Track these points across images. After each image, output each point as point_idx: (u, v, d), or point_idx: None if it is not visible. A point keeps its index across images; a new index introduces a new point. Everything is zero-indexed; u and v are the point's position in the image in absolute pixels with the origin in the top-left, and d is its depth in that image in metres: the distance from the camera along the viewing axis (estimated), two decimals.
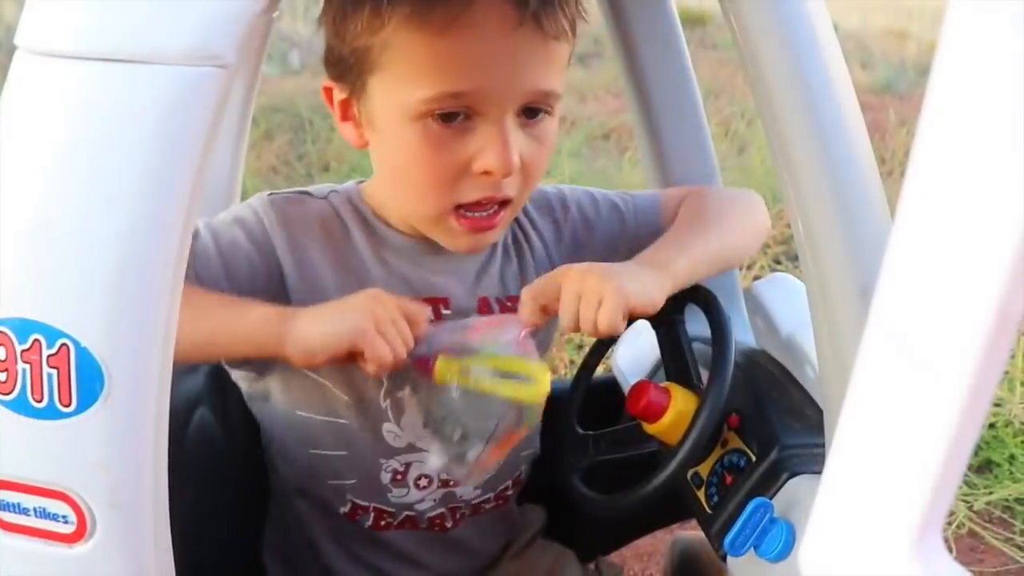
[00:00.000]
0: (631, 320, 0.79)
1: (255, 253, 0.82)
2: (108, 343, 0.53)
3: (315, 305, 0.78)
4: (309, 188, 0.90)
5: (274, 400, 0.90)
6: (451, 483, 0.92)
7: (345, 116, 0.82)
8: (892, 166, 3.70)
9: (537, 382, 0.77)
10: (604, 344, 1.04)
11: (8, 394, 0.54)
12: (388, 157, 0.81)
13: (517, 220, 0.94)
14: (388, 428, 0.88)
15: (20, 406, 0.54)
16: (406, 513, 0.93)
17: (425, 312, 0.79)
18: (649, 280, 0.79)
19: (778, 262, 2.96)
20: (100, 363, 0.53)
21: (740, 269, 2.77)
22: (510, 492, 0.99)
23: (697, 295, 0.92)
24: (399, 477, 0.91)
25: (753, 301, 1.00)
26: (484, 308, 0.91)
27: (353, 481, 0.91)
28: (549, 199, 0.97)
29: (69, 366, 0.53)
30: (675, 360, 0.94)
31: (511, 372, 0.77)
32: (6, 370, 0.54)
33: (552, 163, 3.60)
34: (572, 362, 2.31)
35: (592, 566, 1.03)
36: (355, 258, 0.86)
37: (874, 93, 5.37)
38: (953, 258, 0.37)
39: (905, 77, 5.48)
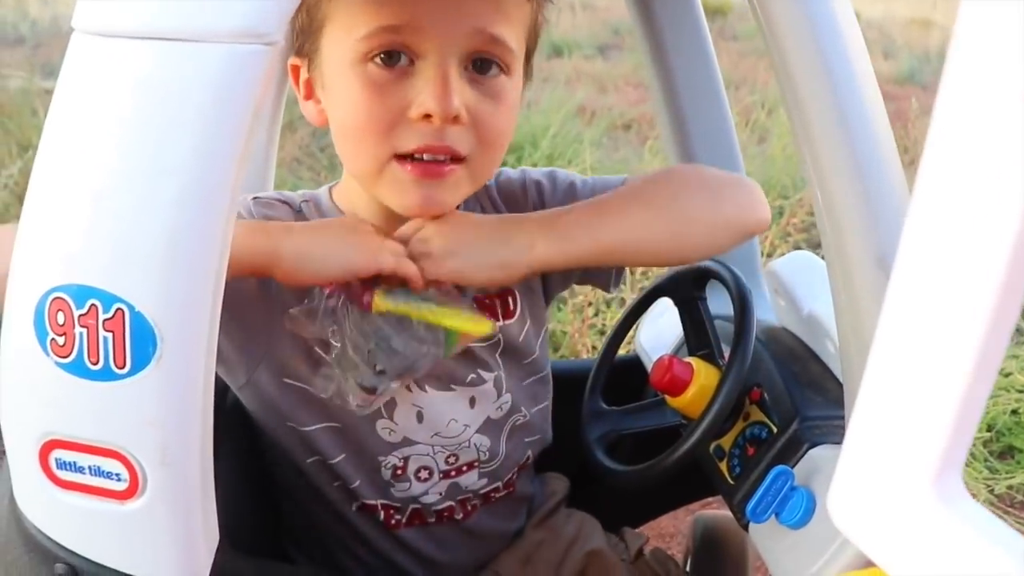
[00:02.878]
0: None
1: None
2: (161, 307, 0.56)
3: (301, 231, 0.78)
4: (286, 194, 0.90)
5: (264, 413, 0.90)
6: (452, 473, 0.93)
7: (308, 95, 0.82)
8: (915, 155, 3.69)
9: (481, 320, 0.79)
10: (627, 322, 1.06)
11: (66, 357, 0.57)
12: (334, 113, 0.79)
13: (485, 212, 0.92)
14: (383, 425, 0.89)
15: (77, 368, 0.57)
16: (412, 507, 0.93)
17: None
18: (501, 253, 0.79)
19: (799, 249, 2.97)
20: (153, 326, 0.56)
21: (762, 254, 2.78)
22: (516, 478, 0.99)
23: (719, 274, 0.94)
24: (399, 472, 0.91)
25: (774, 279, 1.02)
26: None
27: (357, 482, 0.91)
28: (513, 185, 0.95)
29: (124, 329, 0.56)
30: (697, 337, 0.96)
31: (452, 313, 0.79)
32: (64, 334, 0.57)
33: (574, 153, 3.62)
34: (594, 348, 2.33)
35: (616, 536, 1.05)
36: None
37: (897, 83, 5.34)
38: (967, 222, 0.39)
39: (928, 66, 5.45)
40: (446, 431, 0.90)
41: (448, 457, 0.92)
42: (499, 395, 0.92)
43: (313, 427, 0.88)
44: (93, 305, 0.56)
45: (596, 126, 4.14)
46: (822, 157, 0.67)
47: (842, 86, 0.66)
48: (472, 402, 0.91)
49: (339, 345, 0.79)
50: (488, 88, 0.76)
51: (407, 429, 0.89)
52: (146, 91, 0.54)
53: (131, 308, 0.56)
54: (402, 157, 0.75)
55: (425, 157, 0.75)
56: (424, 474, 0.92)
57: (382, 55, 0.74)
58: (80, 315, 0.57)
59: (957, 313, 0.39)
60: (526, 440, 0.98)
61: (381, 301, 0.77)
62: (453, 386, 0.89)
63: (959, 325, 0.39)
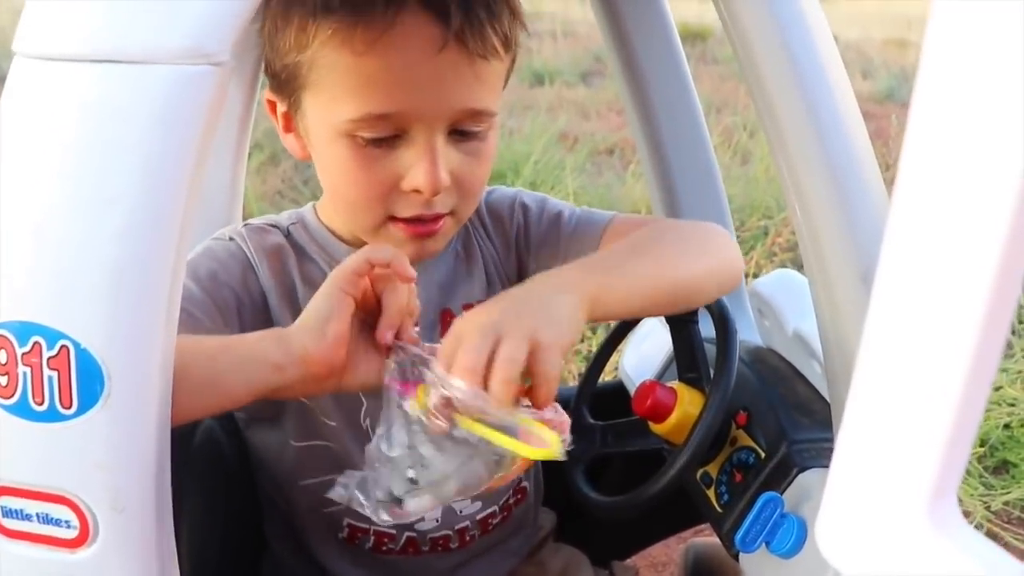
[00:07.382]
0: None
1: (238, 283, 0.82)
2: (108, 343, 0.53)
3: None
4: (274, 217, 0.90)
5: (268, 429, 0.89)
6: None
7: (287, 128, 0.82)
8: (896, 172, 3.69)
9: (551, 445, 0.62)
10: (613, 342, 1.04)
11: (9, 398, 0.54)
12: (324, 172, 0.81)
13: (472, 227, 0.93)
14: None
15: (21, 410, 0.54)
16: (407, 535, 0.91)
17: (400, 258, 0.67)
18: (563, 310, 0.66)
19: (784, 268, 2.96)
20: (100, 364, 0.53)
21: (747, 274, 2.77)
22: (512, 502, 0.97)
23: None
24: None
25: (758, 299, 1.00)
26: (448, 319, 0.88)
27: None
28: (502, 204, 0.95)
29: (70, 368, 0.53)
30: (688, 361, 0.93)
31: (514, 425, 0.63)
32: (7, 373, 0.54)
33: (556, 179, 3.61)
34: (580, 374, 2.31)
35: (605, 570, 1.02)
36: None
37: (876, 102, 5.37)
38: (952, 234, 0.37)
39: (906, 85, 5.48)
40: None
41: None
42: None
43: (312, 443, 0.87)
44: (36, 343, 0.53)
45: (578, 152, 4.13)
46: (801, 173, 0.65)
47: (819, 103, 0.64)
48: None
49: (383, 432, 0.66)
50: (470, 147, 0.78)
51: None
52: (89, 116, 0.52)
53: (76, 345, 0.53)
54: (397, 218, 0.78)
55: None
56: None
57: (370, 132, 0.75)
58: (23, 353, 0.54)
59: (944, 330, 0.36)
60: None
61: (463, 419, 0.62)
62: None
63: (947, 342, 0.37)
